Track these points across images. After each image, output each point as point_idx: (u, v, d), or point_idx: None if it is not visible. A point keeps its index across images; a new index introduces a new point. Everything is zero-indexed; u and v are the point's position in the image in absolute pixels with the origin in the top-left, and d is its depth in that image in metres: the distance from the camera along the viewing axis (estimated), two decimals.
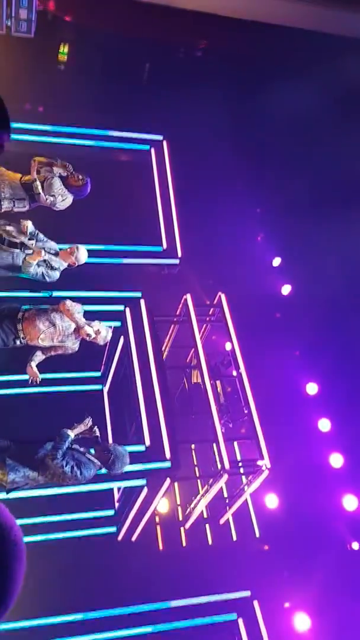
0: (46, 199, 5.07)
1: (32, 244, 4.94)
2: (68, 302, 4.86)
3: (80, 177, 5.16)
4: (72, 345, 4.98)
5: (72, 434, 4.48)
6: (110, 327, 5.14)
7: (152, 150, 7.06)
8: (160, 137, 7.07)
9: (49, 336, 4.84)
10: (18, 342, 4.85)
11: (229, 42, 7.87)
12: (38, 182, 5.04)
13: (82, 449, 4.64)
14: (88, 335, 4.83)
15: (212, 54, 8.28)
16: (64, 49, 8.02)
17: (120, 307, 6.29)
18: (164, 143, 7.06)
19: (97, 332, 4.86)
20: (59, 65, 8.05)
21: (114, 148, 6.96)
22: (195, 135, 7.32)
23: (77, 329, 4.87)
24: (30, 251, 4.91)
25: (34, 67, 7.11)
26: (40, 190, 5.04)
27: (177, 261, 6.96)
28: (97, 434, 4.71)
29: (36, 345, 4.89)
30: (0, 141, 1.21)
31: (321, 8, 7.49)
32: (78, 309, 4.90)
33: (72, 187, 5.18)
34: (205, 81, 7.74)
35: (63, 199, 5.16)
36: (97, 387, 7.07)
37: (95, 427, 4.72)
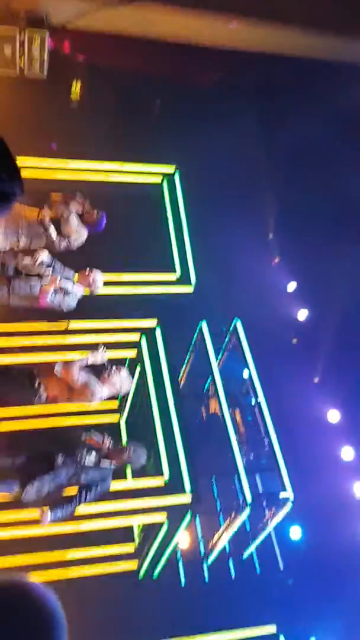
0: (60, 245, 5.16)
1: (49, 273, 5.00)
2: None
3: (96, 212, 5.24)
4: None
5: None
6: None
7: (165, 183, 7.14)
8: (172, 170, 7.16)
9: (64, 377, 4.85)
10: (36, 385, 4.84)
11: (240, 75, 8.01)
12: (52, 230, 5.13)
13: (94, 459, 4.62)
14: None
15: (222, 86, 8.43)
16: (76, 87, 8.23)
17: (136, 337, 6.26)
18: (176, 174, 7.14)
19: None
20: (71, 104, 8.25)
21: (127, 181, 7.06)
22: (207, 165, 7.40)
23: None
24: (47, 280, 4.97)
25: (47, 106, 7.29)
26: (54, 237, 5.14)
27: (191, 289, 6.94)
28: (109, 444, 4.68)
29: (55, 392, 4.86)
30: (12, 193, 1.21)
31: (333, 38, 7.60)
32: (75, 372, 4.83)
33: (88, 223, 5.26)
34: (215, 113, 7.87)
35: (77, 238, 5.25)
36: (114, 417, 6.99)
37: (104, 438, 4.70)
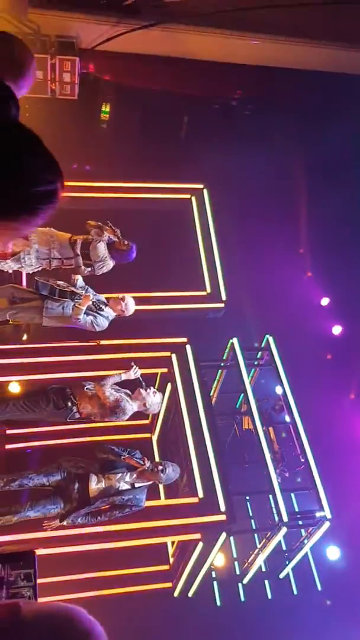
0: (84, 271, 5.26)
1: (82, 292, 5.09)
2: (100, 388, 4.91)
3: (126, 242, 5.31)
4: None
5: None
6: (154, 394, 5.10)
7: (193, 199, 7.18)
8: (201, 186, 7.19)
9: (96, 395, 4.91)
10: (69, 403, 4.93)
11: (268, 91, 8.04)
12: (79, 259, 5.26)
13: (129, 480, 4.61)
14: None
15: (250, 103, 8.47)
16: (106, 108, 8.39)
17: (167, 354, 6.25)
18: (205, 191, 7.17)
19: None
20: (101, 124, 8.41)
21: (156, 198, 7.12)
22: (236, 181, 7.42)
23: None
24: (79, 300, 5.05)
25: (78, 127, 7.45)
26: (80, 264, 5.25)
27: (222, 305, 6.92)
28: (146, 464, 4.68)
29: (88, 410, 4.92)
30: (56, 194, 1.19)
31: (353, 51, 7.54)
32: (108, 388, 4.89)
33: (118, 252, 5.33)
34: (243, 129, 7.90)
35: (102, 266, 5.34)
36: (146, 435, 7.00)
37: (145, 459, 4.72)
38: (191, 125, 8.44)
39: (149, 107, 7.94)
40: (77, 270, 5.25)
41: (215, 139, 7.63)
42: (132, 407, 4.96)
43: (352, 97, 7.48)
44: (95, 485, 4.58)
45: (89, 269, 5.32)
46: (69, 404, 4.95)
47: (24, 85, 1.86)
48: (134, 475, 4.72)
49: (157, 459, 6.77)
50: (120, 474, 4.66)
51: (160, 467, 4.69)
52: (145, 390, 4.93)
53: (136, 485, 4.68)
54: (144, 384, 5.01)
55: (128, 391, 5.06)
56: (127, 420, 6.76)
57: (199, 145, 7.62)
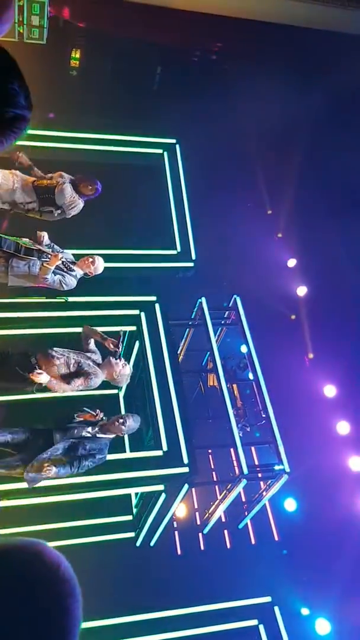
0: (55, 215, 5.11)
1: (49, 250, 4.93)
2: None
3: (90, 186, 5.18)
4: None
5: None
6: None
7: (166, 154, 7.03)
8: (173, 141, 7.04)
9: (64, 363, 4.79)
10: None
11: (241, 44, 7.83)
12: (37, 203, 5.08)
13: (90, 433, 4.65)
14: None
15: (224, 56, 8.25)
16: (76, 54, 8.05)
17: (135, 312, 6.25)
18: (177, 146, 7.03)
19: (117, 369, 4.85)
20: (71, 71, 8.08)
21: (128, 152, 6.95)
22: (209, 138, 7.28)
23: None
24: (47, 258, 4.89)
25: (46, 73, 7.12)
26: (40, 208, 5.10)
27: (191, 264, 6.91)
28: (101, 416, 4.72)
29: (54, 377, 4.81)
30: (25, 120, 1.16)
31: (332, 8, 7.41)
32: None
33: (82, 194, 5.20)
34: (217, 84, 7.72)
35: (72, 207, 5.18)
36: (114, 391, 7.04)
37: (98, 411, 4.72)
38: (166, 76, 8.17)
39: (122, 57, 7.65)
40: (48, 216, 5.09)
41: (190, 92, 7.44)
42: (99, 380, 4.91)
43: (331, 55, 7.35)
44: (58, 439, 4.60)
45: (59, 211, 5.17)
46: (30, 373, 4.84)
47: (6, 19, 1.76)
48: (96, 429, 4.75)
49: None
50: (80, 427, 4.69)
51: (121, 420, 4.72)
52: (116, 360, 4.85)
53: (98, 435, 4.72)
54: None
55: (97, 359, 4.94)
56: None
57: (173, 98, 7.41)
